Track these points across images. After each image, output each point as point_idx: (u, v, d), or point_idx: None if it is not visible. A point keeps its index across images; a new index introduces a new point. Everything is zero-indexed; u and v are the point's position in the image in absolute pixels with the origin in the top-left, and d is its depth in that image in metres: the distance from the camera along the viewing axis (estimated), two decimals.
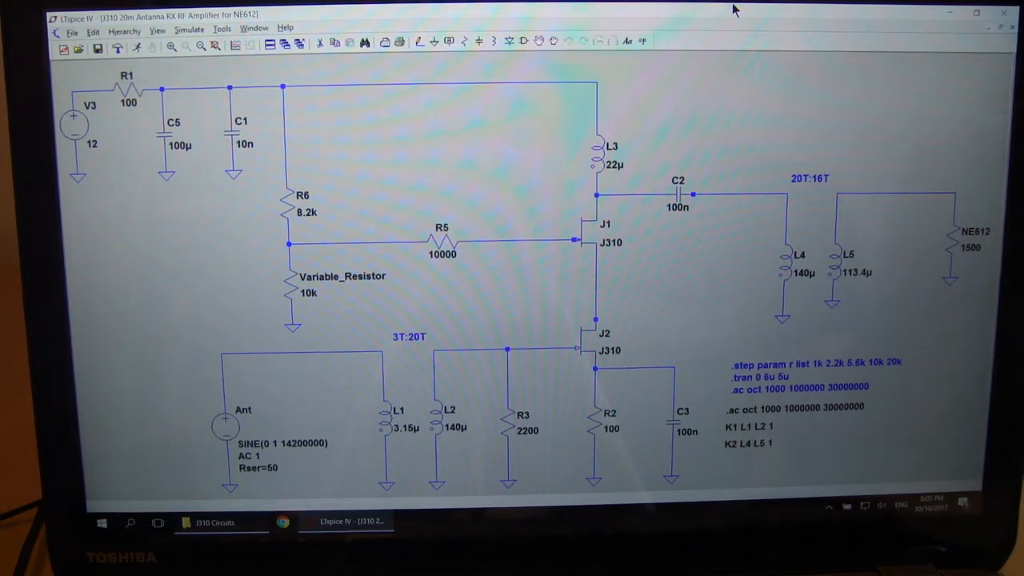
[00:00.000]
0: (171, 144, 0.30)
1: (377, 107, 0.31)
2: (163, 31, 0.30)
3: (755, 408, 0.33)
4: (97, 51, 0.30)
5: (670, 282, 0.32)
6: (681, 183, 0.31)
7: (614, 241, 0.31)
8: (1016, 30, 0.31)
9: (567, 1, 0.30)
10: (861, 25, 0.31)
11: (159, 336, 0.31)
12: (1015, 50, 0.31)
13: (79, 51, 0.30)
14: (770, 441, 0.33)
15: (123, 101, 0.30)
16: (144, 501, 0.32)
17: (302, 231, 0.31)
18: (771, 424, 0.33)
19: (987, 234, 0.32)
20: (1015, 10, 0.31)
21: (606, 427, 0.32)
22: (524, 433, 0.32)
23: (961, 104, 0.31)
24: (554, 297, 0.32)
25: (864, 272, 0.32)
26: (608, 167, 0.31)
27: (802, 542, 0.33)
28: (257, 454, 0.32)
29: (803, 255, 0.32)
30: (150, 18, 0.30)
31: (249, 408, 0.32)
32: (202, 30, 0.30)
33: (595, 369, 0.32)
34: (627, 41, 0.30)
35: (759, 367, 0.32)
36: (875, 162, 0.31)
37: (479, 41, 0.30)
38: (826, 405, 0.33)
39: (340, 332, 0.31)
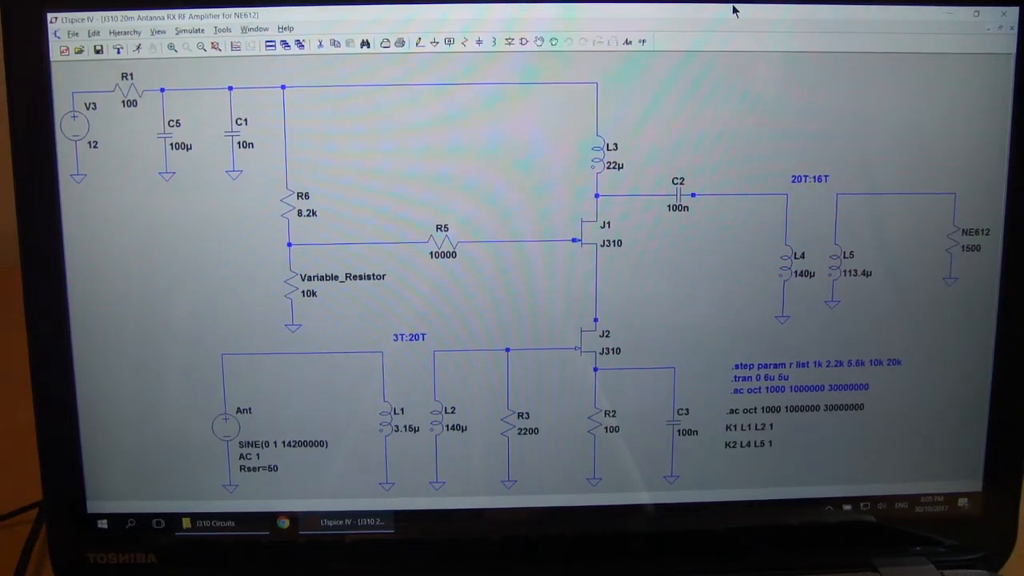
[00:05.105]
0: (171, 145, 0.30)
1: (377, 108, 0.31)
2: (163, 32, 0.30)
3: (755, 408, 0.33)
4: (98, 52, 0.30)
5: (670, 282, 0.32)
6: (681, 184, 0.31)
7: (614, 242, 0.31)
8: (1016, 31, 0.31)
9: (567, 2, 0.30)
10: (861, 26, 0.31)
11: (159, 336, 0.31)
12: (1015, 51, 0.31)
13: (80, 52, 0.30)
14: (770, 442, 0.33)
15: (124, 102, 0.30)
16: (144, 501, 0.32)
17: (302, 232, 0.31)
18: (771, 425, 0.33)
19: (987, 234, 0.32)
20: (1015, 11, 0.31)
21: (606, 427, 0.32)
22: (524, 433, 0.32)
23: (961, 104, 0.31)
24: (554, 298, 0.32)
25: (864, 273, 0.32)
26: (608, 168, 0.31)
27: (802, 542, 0.33)
28: (257, 454, 0.32)
29: (803, 256, 0.32)
30: (150, 19, 0.30)
31: (249, 409, 0.32)
32: (202, 31, 0.30)
33: (595, 369, 0.32)
34: (627, 42, 0.30)
35: (759, 367, 0.32)
36: (875, 162, 0.31)
37: (479, 42, 0.30)
38: (826, 405, 0.33)
39: (340, 333, 0.32)
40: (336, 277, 0.31)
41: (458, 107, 0.31)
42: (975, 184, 0.32)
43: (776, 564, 0.33)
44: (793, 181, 0.31)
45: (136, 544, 0.32)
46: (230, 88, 0.30)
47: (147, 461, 0.32)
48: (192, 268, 0.31)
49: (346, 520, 0.33)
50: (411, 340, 0.32)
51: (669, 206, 0.31)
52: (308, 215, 0.31)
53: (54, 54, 0.30)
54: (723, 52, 0.31)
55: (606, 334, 0.32)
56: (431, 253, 0.31)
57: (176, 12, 0.30)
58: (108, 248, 0.31)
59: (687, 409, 0.32)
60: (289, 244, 0.31)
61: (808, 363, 0.33)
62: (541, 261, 0.31)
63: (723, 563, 0.33)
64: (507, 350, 0.32)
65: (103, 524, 0.32)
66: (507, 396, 0.32)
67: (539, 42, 0.30)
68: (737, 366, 0.32)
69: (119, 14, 0.30)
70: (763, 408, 0.33)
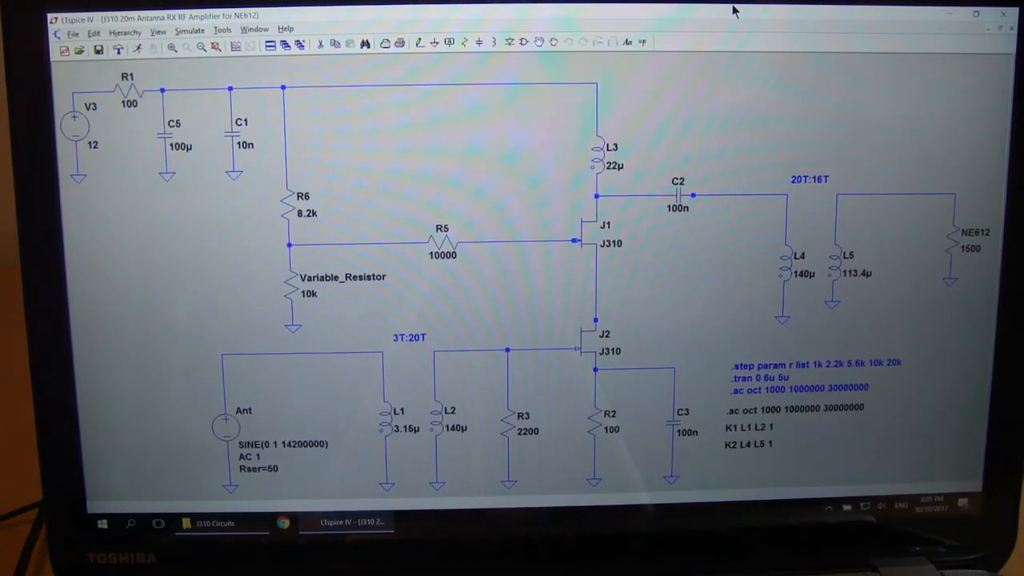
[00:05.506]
0: (171, 145, 0.30)
1: (377, 108, 0.31)
2: (163, 32, 0.30)
3: (755, 409, 0.33)
4: (98, 52, 0.30)
5: (670, 283, 0.32)
6: (681, 184, 0.31)
7: (614, 242, 0.31)
8: (1015, 31, 0.31)
9: (567, 2, 0.30)
10: (861, 26, 0.31)
11: (159, 336, 0.31)
12: (1015, 51, 0.31)
13: (80, 52, 0.30)
14: (770, 442, 0.33)
15: (124, 102, 0.30)
16: (144, 502, 0.32)
17: (302, 232, 0.31)
18: (771, 425, 0.33)
19: (987, 234, 0.32)
20: (1014, 11, 0.31)
21: (606, 428, 0.32)
22: (524, 434, 0.32)
23: (961, 105, 0.31)
24: (554, 298, 0.32)
25: (864, 273, 0.32)
26: (608, 168, 0.31)
27: (802, 542, 0.33)
28: (257, 455, 0.32)
29: (803, 256, 0.32)
30: (151, 19, 0.30)
31: (249, 409, 0.32)
32: (202, 31, 0.30)
33: (595, 370, 0.32)
34: (627, 42, 0.30)
35: (759, 368, 0.32)
36: (875, 163, 0.31)
37: (479, 42, 0.30)
38: (826, 406, 0.33)
39: (340, 333, 0.32)
40: (336, 277, 0.31)
41: (458, 107, 0.31)
42: (975, 184, 0.32)
43: (776, 564, 0.33)
44: (793, 181, 0.31)
45: (136, 544, 0.32)
46: (230, 88, 0.30)
47: (147, 461, 0.32)
48: (192, 268, 0.31)
49: (346, 520, 0.33)
50: (411, 340, 0.32)
51: (669, 206, 0.31)
52: (308, 215, 0.31)
53: (54, 54, 0.30)
54: (723, 52, 0.31)
55: (606, 334, 0.32)
56: (431, 253, 0.31)
57: (176, 12, 0.30)
58: (108, 248, 0.31)
59: (687, 409, 0.32)
60: (289, 244, 0.31)
61: (808, 363, 0.33)
62: (541, 261, 0.31)
63: (723, 563, 0.33)
64: (507, 350, 0.32)
65: (103, 524, 0.32)
66: (507, 396, 0.32)
67: (539, 42, 0.30)
68: (737, 366, 0.32)
69: (119, 14, 0.30)
70: (763, 408, 0.33)
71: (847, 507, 0.33)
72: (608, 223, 0.31)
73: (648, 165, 0.31)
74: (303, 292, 0.31)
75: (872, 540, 0.33)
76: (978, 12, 0.31)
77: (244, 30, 0.30)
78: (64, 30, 0.30)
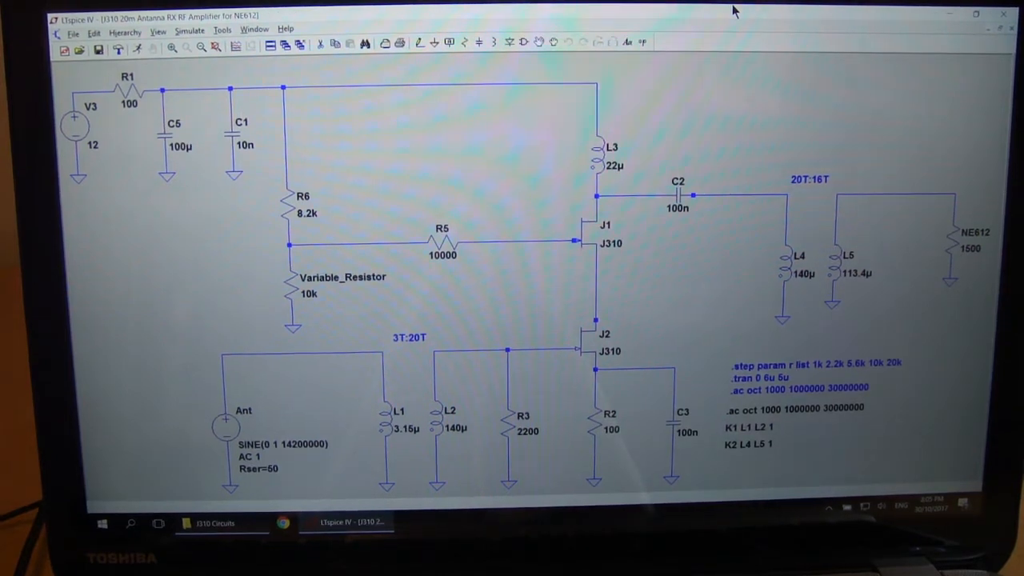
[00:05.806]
0: (171, 145, 0.30)
1: (377, 108, 0.31)
2: (163, 32, 0.30)
3: (755, 409, 0.33)
4: (98, 52, 0.30)
5: (670, 283, 0.32)
6: (681, 184, 0.31)
7: (614, 242, 0.31)
8: (1015, 31, 0.31)
9: (566, 2, 0.30)
10: (861, 26, 0.31)
11: (159, 336, 0.31)
12: (1015, 51, 0.31)
13: (80, 52, 0.30)
14: (770, 442, 0.33)
15: (124, 102, 0.30)
16: (144, 502, 0.32)
17: (302, 232, 0.31)
18: (771, 425, 0.33)
19: (987, 235, 0.32)
20: (1014, 11, 0.31)
21: (606, 428, 0.32)
22: (524, 434, 0.32)
23: (961, 105, 0.31)
24: (554, 298, 0.32)
25: (864, 273, 0.32)
26: (608, 168, 0.31)
27: (802, 542, 0.33)
28: (257, 455, 0.32)
29: (803, 256, 0.32)
30: (151, 19, 0.30)
31: (249, 409, 0.32)
32: (202, 31, 0.30)
33: (595, 370, 0.32)
34: (627, 42, 0.30)
35: (759, 368, 0.32)
36: (875, 163, 0.31)
37: (479, 42, 0.30)
38: (826, 406, 0.33)
39: (340, 333, 0.32)
40: (336, 277, 0.31)
41: (458, 107, 0.31)
42: (975, 184, 0.32)
43: (776, 564, 0.33)
44: (793, 181, 0.31)
45: (136, 544, 0.32)
46: (230, 88, 0.30)
47: (147, 461, 0.32)
48: (192, 268, 0.31)
49: (346, 520, 0.33)
50: (411, 340, 0.32)
51: (669, 206, 0.31)
52: (308, 215, 0.31)
53: (54, 54, 0.30)
54: (723, 52, 0.31)
55: (606, 334, 0.32)
56: (431, 253, 0.31)
57: (176, 12, 0.30)
58: (108, 248, 0.31)
59: (687, 409, 0.32)
60: (289, 244, 0.31)
61: (808, 363, 0.33)
62: (541, 261, 0.31)
63: (723, 563, 0.33)
64: (507, 350, 0.32)
65: (103, 524, 0.32)
66: (507, 396, 0.32)
67: (539, 42, 0.30)
68: (737, 366, 0.32)
69: (119, 14, 0.30)
70: (763, 408, 0.33)
71: (847, 507, 0.33)
72: (608, 223, 0.31)
73: (648, 165, 0.31)
74: (303, 292, 0.31)
75: (872, 540, 0.33)
76: (978, 12, 0.31)
77: (244, 30, 0.30)
78: (64, 30, 0.30)
